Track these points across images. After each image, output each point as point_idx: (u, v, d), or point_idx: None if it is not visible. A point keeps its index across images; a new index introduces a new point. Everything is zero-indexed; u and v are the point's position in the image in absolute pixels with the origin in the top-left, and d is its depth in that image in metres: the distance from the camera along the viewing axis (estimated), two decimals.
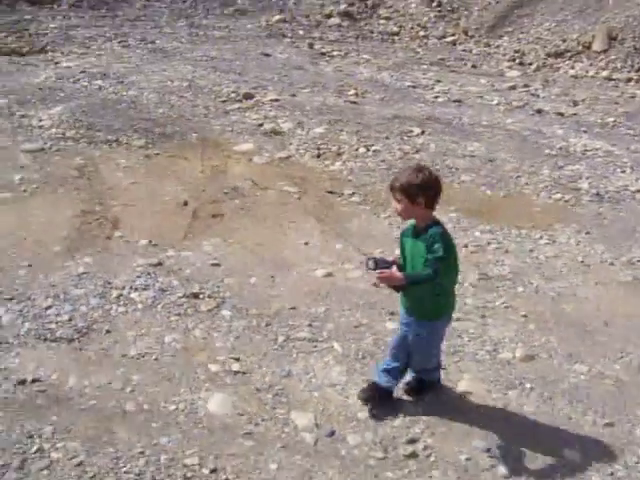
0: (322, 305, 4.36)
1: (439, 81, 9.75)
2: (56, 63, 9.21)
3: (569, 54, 11.14)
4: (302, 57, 10.46)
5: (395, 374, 3.48)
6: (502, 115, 8.42)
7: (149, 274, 4.57)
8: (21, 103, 7.45)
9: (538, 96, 9.41)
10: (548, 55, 11.21)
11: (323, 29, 12.30)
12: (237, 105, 7.94)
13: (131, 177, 6.04)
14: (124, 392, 3.50)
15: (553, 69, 10.88)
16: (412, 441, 3.28)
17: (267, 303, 4.35)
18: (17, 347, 3.78)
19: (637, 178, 6.64)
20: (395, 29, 12.43)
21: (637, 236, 5.51)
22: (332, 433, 3.31)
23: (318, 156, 6.71)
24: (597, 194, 6.25)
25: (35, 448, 3.12)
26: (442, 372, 3.67)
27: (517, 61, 11.15)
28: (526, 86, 9.77)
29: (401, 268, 3.21)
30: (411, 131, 7.45)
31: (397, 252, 3.43)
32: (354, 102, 8.38)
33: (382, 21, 12.64)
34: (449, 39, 12.12)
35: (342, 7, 12.94)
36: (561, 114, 8.58)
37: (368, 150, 6.88)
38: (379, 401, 3.48)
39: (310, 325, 4.14)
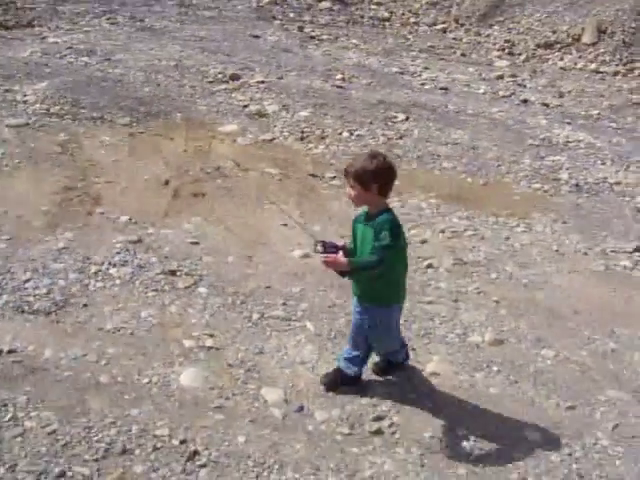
0: (297, 285, 4.42)
1: (427, 68, 9.77)
2: (43, 38, 9.13)
3: (559, 46, 11.18)
4: (291, 40, 10.43)
5: (357, 362, 3.48)
6: (487, 104, 8.46)
7: (128, 250, 4.62)
8: (6, 78, 7.40)
9: (525, 86, 9.46)
10: (538, 46, 11.24)
11: (314, 12, 12.25)
12: (224, 86, 7.93)
13: (114, 155, 6.05)
14: (99, 364, 3.56)
15: (542, 60, 10.91)
16: (378, 418, 3.35)
17: (243, 282, 4.41)
18: None
19: (617, 170, 6.73)
20: (386, 15, 12.41)
21: (612, 227, 5.60)
22: (301, 409, 3.38)
23: (302, 139, 6.75)
24: (576, 185, 6.34)
25: (9, 416, 3.17)
26: (411, 353, 3.75)
27: (506, 51, 11.17)
28: (514, 76, 9.81)
29: (350, 253, 3.23)
30: (396, 117, 7.49)
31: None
32: (340, 87, 8.39)
33: (373, 6, 12.61)
34: (440, 27, 12.11)
35: None
36: (546, 105, 8.65)
37: (352, 134, 6.92)
38: (341, 387, 3.49)
39: (284, 304, 4.21)
